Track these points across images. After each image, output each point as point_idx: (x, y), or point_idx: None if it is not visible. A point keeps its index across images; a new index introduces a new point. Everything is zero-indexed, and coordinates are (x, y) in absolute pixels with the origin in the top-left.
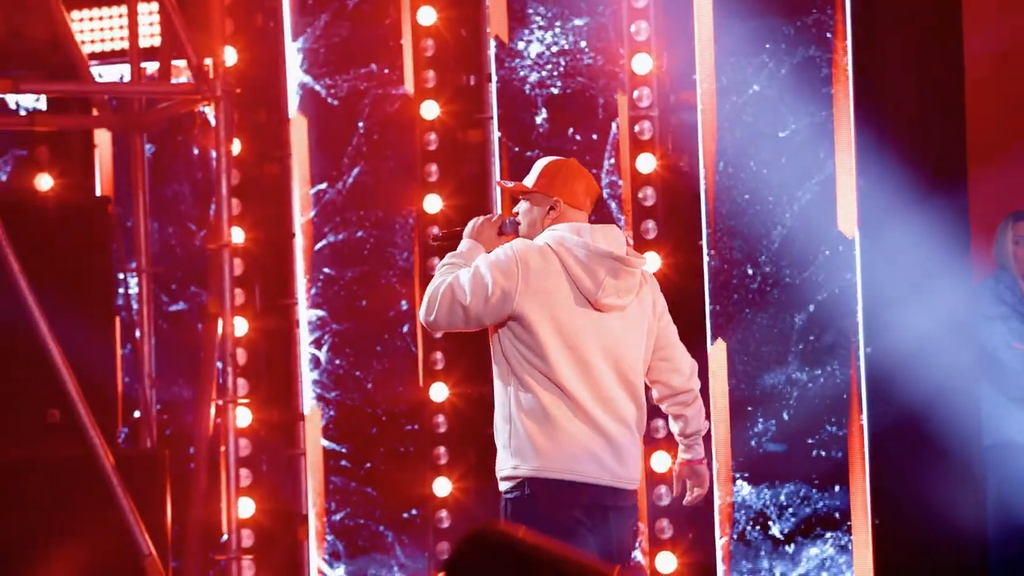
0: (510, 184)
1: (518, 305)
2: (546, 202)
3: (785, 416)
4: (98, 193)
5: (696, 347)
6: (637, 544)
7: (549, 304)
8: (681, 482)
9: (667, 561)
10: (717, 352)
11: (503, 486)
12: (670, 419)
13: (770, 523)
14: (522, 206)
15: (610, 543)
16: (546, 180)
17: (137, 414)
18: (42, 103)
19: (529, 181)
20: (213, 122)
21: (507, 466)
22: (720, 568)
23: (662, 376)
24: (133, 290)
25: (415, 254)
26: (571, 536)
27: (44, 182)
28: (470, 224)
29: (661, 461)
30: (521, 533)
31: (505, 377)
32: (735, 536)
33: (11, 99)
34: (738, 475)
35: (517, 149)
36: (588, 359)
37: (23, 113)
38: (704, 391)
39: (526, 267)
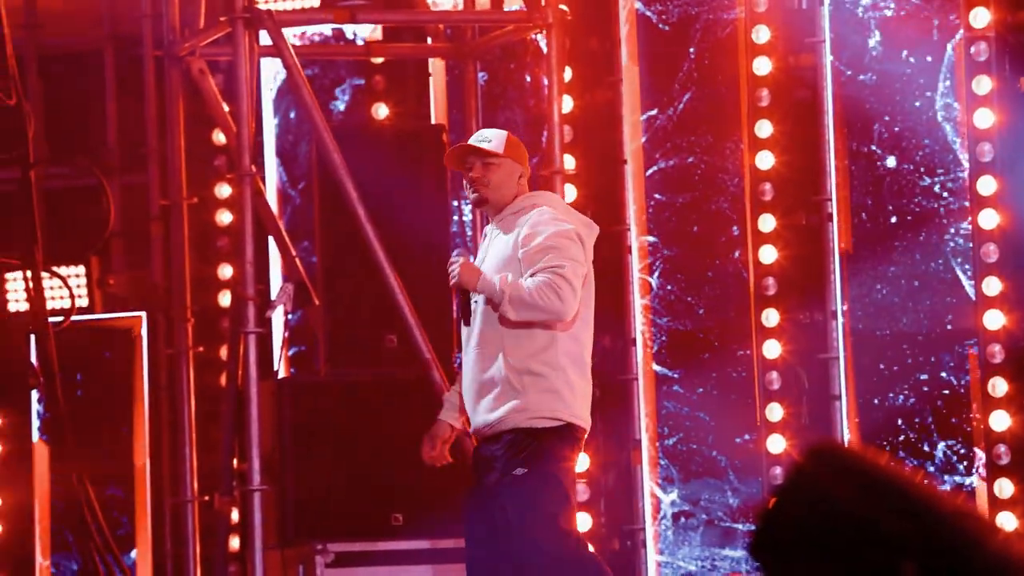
0: (488, 147)
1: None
2: (517, 169)
3: None
4: (432, 121)
5: None
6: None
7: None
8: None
9: (1006, 487)
10: None
11: (540, 423)
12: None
13: None
14: (488, 168)
15: None
16: (514, 150)
17: None
18: (378, 33)
19: (496, 147)
20: (545, 49)
21: (546, 409)
22: None
23: None
24: (467, 216)
25: (745, 179)
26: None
27: (380, 110)
28: (463, 274)
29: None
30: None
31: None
32: None
33: (348, 30)
34: None
35: (849, 73)
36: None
37: (360, 43)
38: None
39: (589, 233)
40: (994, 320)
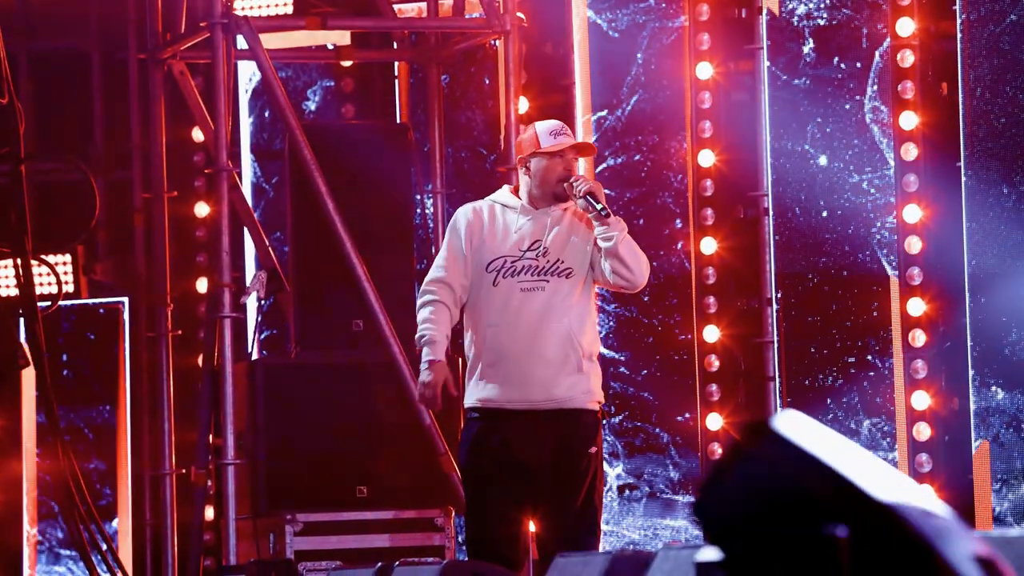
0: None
1: None
2: None
3: None
4: (398, 120)
5: (954, 260)
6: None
7: None
8: None
9: (925, 462)
10: (973, 267)
11: (594, 407)
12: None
13: (1023, 426)
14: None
15: None
16: None
17: None
18: (347, 39)
19: None
20: (502, 54)
21: (599, 393)
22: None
23: None
24: (429, 210)
25: (688, 176)
26: None
27: (349, 111)
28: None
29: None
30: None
31: (592, 312)
32: (990, 439)
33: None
34: (993, 382)
35: (784, 77)
36: None
37: (330, 48)
38: (963, 302)
39: None
40: (916, 307)
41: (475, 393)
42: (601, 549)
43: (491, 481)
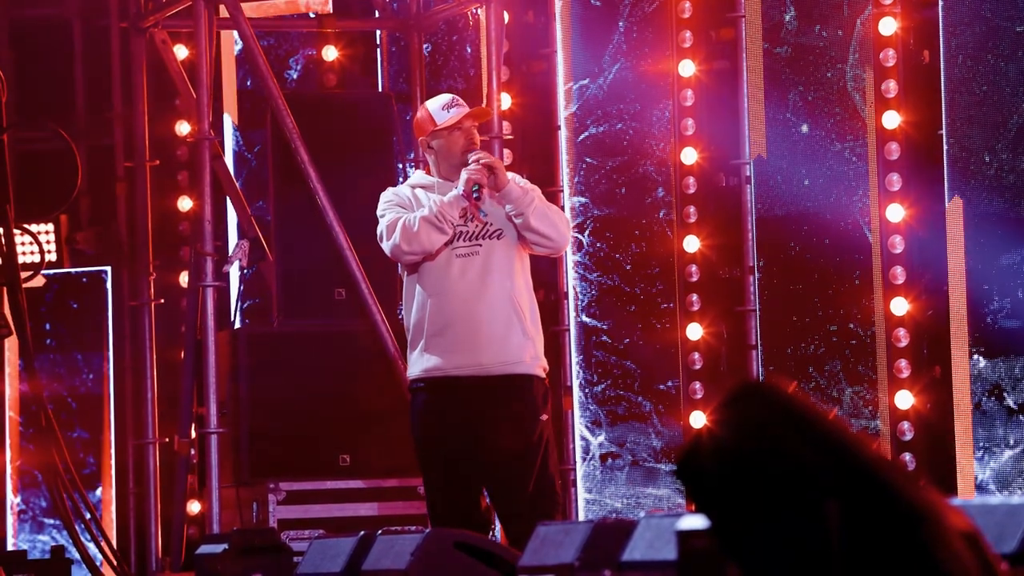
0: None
1: None
2: None
3: (1020, 294)
4: (380, 89)
5: (936, 228)
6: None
7: None
8: None
9: (907, 430)
10: (955, 235)
11: (541, 374)
12: None
13: (1005, 394)
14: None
15: None
16: None
17: None
18: (329, 7)
19: None
20: (484, 22)
21: (543, 358)
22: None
23: None
24: None
25: (670, 144)
26: None
27: (331, 80)
28: (500, 168)
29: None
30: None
31: (527, 279)
32: (973, 406)
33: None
34: (975, 350)
35: (766, 46)
36: None
37: (312, 16)
38: (944, 270)
39: None
40: (897, 275)
41: (420, 364)
42: (583, 518)
43: (446, 453)
